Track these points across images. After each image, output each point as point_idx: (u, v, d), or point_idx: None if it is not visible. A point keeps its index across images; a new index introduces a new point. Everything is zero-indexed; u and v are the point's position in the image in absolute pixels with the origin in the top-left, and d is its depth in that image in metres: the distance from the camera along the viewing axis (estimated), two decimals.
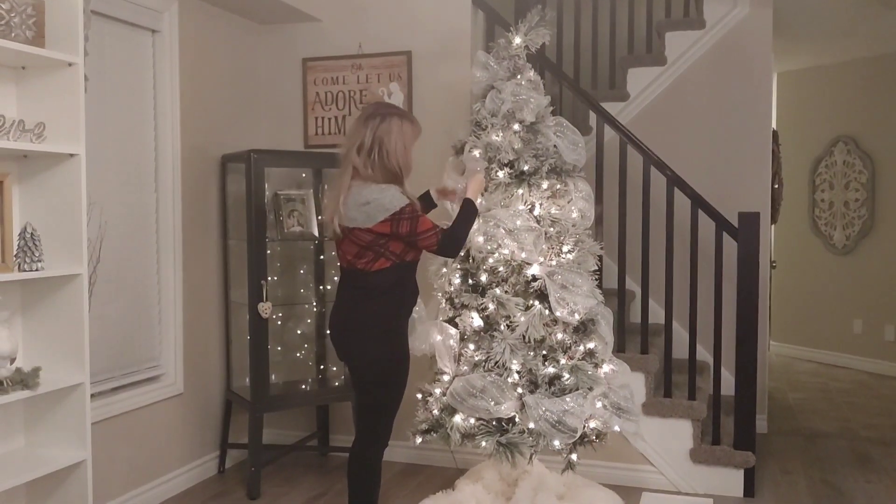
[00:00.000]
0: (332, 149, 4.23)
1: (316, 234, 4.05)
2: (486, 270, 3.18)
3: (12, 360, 2.57)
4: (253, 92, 4.40)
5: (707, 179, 4.36)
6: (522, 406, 3.06)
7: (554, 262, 3.14)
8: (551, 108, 3.35)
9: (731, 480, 3.72)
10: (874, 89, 6.35)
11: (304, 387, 4.19)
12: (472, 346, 3.16)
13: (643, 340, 3.85)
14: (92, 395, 3.00)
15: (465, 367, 3.16)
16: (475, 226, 3.13)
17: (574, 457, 3.20)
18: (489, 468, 3.45)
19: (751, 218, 3.65)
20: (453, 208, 3.14)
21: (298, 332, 4.23)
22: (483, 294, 3.16)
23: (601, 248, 3.32)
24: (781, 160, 6.14)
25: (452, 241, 2.86)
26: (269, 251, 3.91)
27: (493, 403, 3.02)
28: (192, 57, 3.87)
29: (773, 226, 5.98)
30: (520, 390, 3.08)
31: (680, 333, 4.12)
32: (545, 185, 3.19)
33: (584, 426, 3.10)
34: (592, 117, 4.38)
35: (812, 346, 6.90)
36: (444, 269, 3.29)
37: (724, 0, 4.63)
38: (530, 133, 3.22)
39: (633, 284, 4.25)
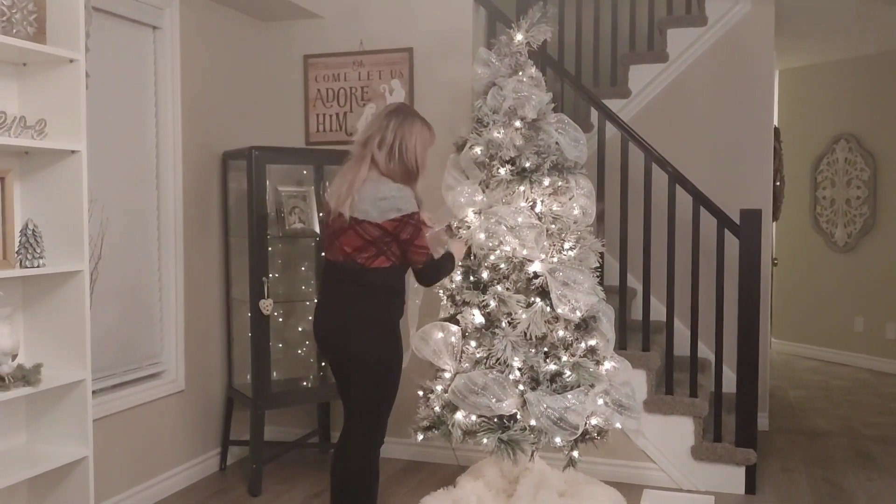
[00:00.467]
0: (333, 145, 4.25)
1: (317, 231, 4.05)
2: (487, 267, 3.18)
3: (14, 357, 2.57)
4: (254, 89, 4.39)
5: (709, 176, 4.36)
6: (524, 403, 3.06)
7: (555, 259, 3.14)
8: (553, 105, 3.35)
9: (732, 478, 3.72)
10: (876, 87, 6.34)
11: (305, 384, 4.19)
12: (473, 344, 3.16)
13: (644, 338, 3.85)
14: (93, 392, 3.01)
15: (467, 365, 3.16)
16: (476, 223, 3.16)
17: (575, 454, 3.20)
18: (490, 465, 3.45)
19: (752, 215, 3.64)
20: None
21: (300, 329, 4.23)
22: (484, 291, 3.16)
23: (602, 245, 3.32)
24: (783, 157, 6.14)
25: (434, 270, 2.92)
26: (270, 248, 3.91)
27: (494, 400, 3.03)
28: (194, 53, 3.86)
29: (774, 223, 5.98)
30: (521, 387, 3.08)
31: (681, 331, 4.12)
32: (547, 181, 3.19)
33: (586, 423, 3.10)
34: (594, 114, 4.37)
35: (813, 344, 6.90)
36: None
37: None
38: (532, 130, 3.22)
39: (634, 281, 4.25)
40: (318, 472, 4.07)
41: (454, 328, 3.18)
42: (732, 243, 3.69)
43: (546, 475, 3.37)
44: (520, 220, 3.10)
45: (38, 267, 2.59)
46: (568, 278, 3.08)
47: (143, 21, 3.59)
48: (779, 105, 6.78)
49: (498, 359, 3.08)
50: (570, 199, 3.23)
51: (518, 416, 3.09)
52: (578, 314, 3.10)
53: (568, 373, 3.09)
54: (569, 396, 3.03)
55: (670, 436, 3.80)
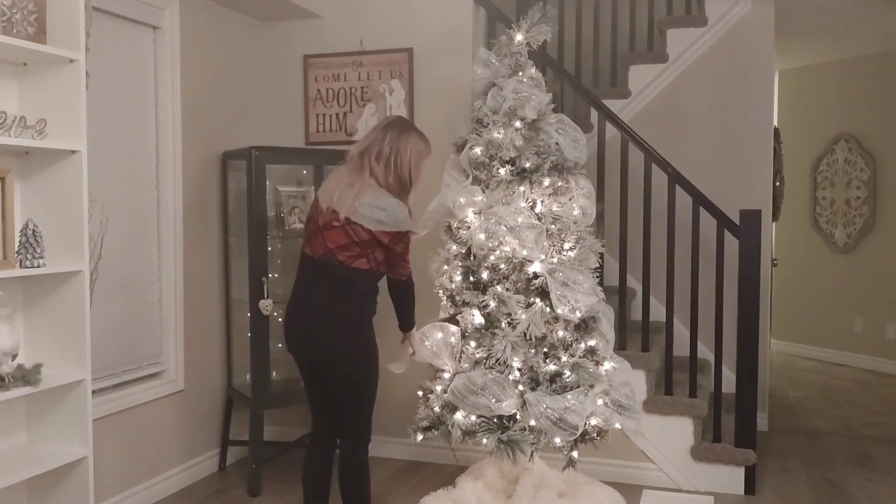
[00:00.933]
0: (333, 146, 4.25)
1: None
2: (487, 268, 3.18)
3: (14, 357, 2.57)
4: (254, 89, 4.39)
5: (708, 177, 4.36)
6: (523, 403, 3.06)
7: (555, 260, 3.14)
8: (553, 106, 3.35)
9: (731, 478, 3.72)
10: (876, 87, 6.34)
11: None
12: (473, 344, 3.16)
13: (644, 338, 3.85)
14: (93, 392, 3.01)
15: (466, 365, 3.17)
16: (476, 223, 3.18)
17: (575, 454, 3.20)
18: (490, 465, 3.45)
19: (752, 215, 3.64)
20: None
21: None
22: (484, 291, 3.16)
23: (602, 246, 3.32)
24: (783, 158, 6.14)
25: (409, 288, 3.02)
26: (269, 248, 3.91)
27: (494, 401, 3.03)
28: (194, 53, 3.86)
29: (774, 223, 5.98)
30: (521, 388, 3.09)
31: (681, 331, 4.13)
32: (546, 182, 3.19)
33: (585, 423, 3.10)
34: (594, 115, 4.37)
35: (813, 344, 6.90)
36: (446, 267, 3.29)
37: None
38: (532, 130, 3.22)
39: (634, 282, 4.25)
40: None
41: (454, 328, 3.19)
42: (732, 244, 3.69)
43: (546, 475, 3.37)
44: (520, 220, 3.10)
45: (38, 267, 2.59)
46: (568, 279, 3.08)
47: (143, 21, 3.59)
48: (779, 105, 6.78)
49: (497, 359, 3.09)
50: (569, 199, 3.23)
51: (518, 417, 3.09)
52: (578, 314, 3.10)
53: (567, 373, 3.09)
54: (568, 397, 3.03)
55: (670, 436, 3.80)
